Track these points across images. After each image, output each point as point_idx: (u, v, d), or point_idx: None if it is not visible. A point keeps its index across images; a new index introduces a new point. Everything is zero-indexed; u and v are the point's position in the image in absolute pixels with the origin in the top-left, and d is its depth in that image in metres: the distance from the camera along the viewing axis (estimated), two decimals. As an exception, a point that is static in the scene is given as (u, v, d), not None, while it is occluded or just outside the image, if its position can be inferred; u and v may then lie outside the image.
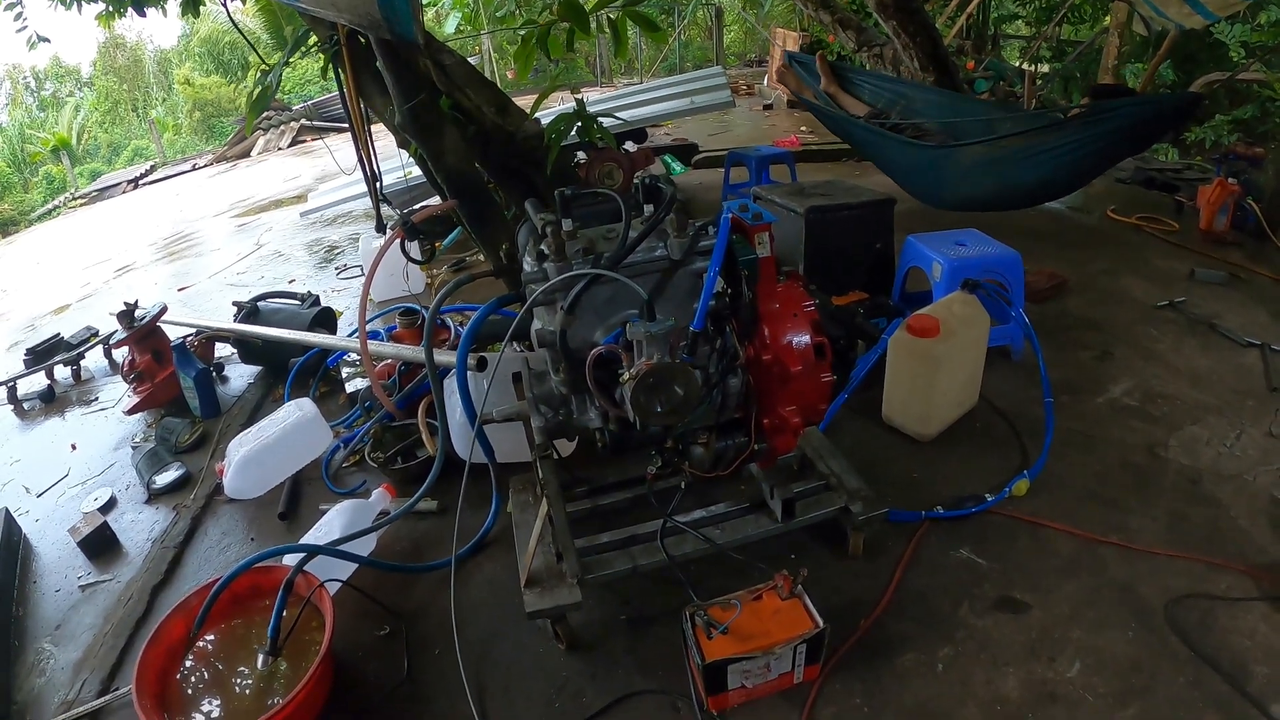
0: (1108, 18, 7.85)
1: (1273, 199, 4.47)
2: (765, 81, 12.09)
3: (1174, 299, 3.65)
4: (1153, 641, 1.92)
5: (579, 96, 3.16)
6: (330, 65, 2.95)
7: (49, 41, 4.46)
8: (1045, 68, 9.46)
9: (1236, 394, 2.90)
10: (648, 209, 1.88)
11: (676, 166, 6.14)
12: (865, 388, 2.85)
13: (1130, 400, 2.92)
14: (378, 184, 3.27)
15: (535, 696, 1.93)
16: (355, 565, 2.28)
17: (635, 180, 2.01)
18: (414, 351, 2.91)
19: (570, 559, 1.90)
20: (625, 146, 4.46)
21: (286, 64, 3.18)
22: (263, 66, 3.13)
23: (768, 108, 10.64)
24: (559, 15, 2.81)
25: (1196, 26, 5.73)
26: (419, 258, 2.70)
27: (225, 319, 3.99)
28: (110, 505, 3.03)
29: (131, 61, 20.68)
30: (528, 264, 1.83)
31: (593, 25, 2.89)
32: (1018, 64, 9.43)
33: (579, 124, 2.97)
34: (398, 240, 2.75)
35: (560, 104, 3.69)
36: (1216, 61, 7.46)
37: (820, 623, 1.76)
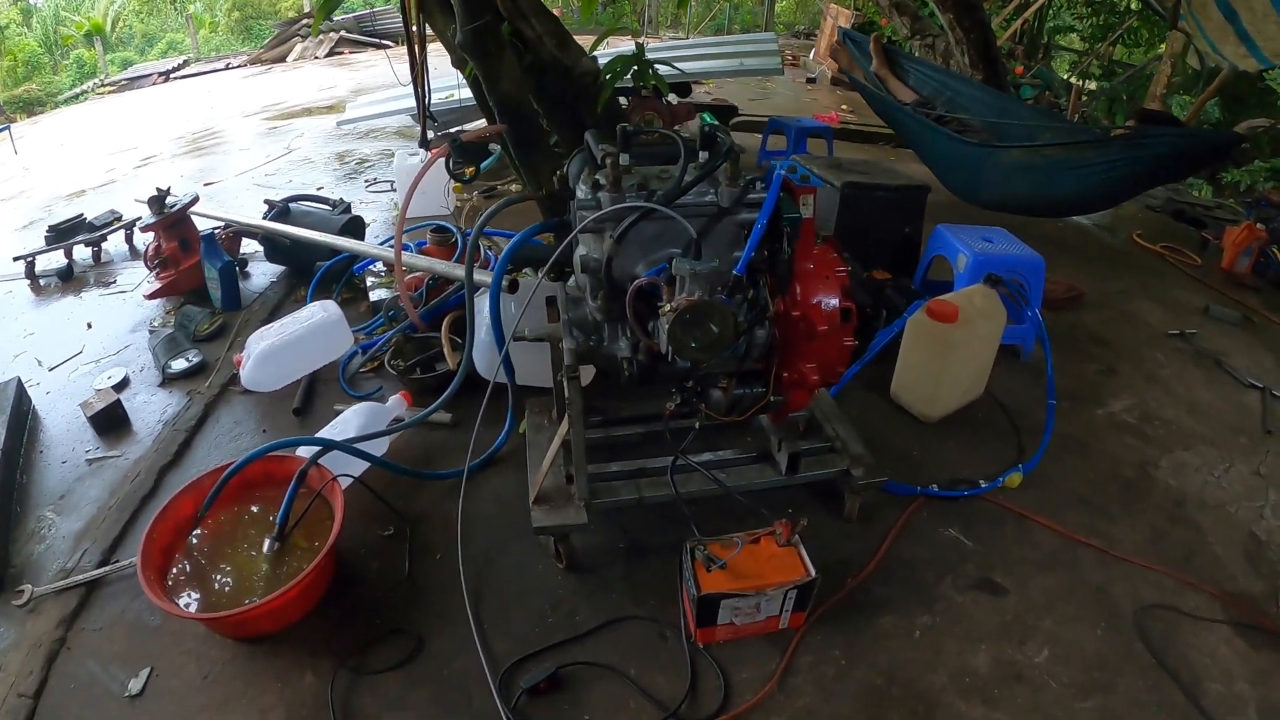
0: (1163, 45, 7.61)
1: None
2: (811, 55, 11.81)
3: (1185, 329, 3.63)
4: (1119, 643, 1.97)
5: (640, 41, 3.15)
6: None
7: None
8: (1093, 85, 9.30)
9: (1231, 430, 2.91)
10: (703, 155, 1.89)
11: (714, 125, 6.12)
12: (877, 363, 2.87)
13: (1129, 417, 2.95)
14: (427, 101, 3.26)
15: (530, 609, 1.99)
16: (368, 464, 2.31)
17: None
18: (446, 266, 2.92)
19: (581, 480, 1.95)
20: (668, 99, 4.44)
21: None
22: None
23: (811, 81, 10.39)
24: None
25: (1250, 69, 5.58)
26: (460, 175, 2.71)
27: (251, 216, 3.97)
28: (123, 385, 3.03)
29: (176, -48, 20.15)
30: (582, 191, 1.85)
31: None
32: (1066, 77, 9.30)
33: (635, 67, 2.97)
34: (441, 158, 2.76)
35: (605, 49, 3.63)
36: (1264, 107, 7.40)
37: (813, 572, 1.81)
